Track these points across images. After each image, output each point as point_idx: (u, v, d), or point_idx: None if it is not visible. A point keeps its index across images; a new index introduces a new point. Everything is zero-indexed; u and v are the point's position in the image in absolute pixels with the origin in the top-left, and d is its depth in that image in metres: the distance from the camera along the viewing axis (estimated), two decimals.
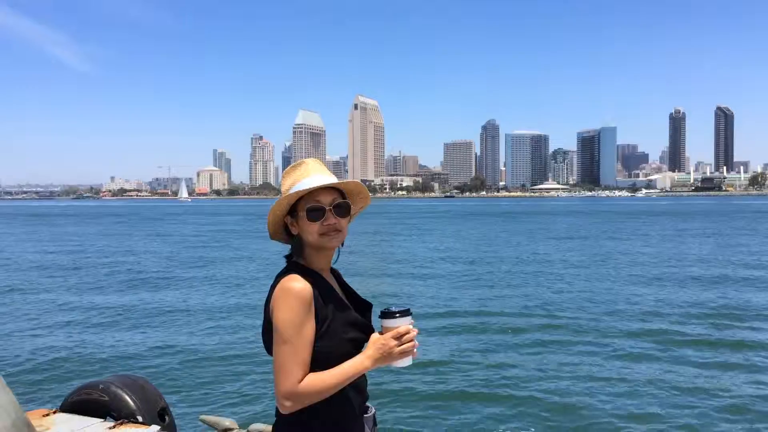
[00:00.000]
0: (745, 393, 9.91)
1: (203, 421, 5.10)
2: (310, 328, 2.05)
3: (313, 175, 2.20)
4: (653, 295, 19.88)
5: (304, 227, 2.18)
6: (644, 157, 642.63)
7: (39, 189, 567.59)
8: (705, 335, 14.15)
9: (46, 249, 39.78)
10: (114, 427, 5.33)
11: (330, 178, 2.22)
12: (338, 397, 2.09)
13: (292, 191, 2.17)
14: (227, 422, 4.91)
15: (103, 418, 5.56)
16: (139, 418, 5.46)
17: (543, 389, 10.29)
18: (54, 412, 5.70)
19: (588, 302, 18.84)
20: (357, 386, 2.18)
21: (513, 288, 21.91)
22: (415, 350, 2.14)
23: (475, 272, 26.58)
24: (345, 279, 2.42)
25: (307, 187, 2.15)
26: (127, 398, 5.55)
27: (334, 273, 2.37)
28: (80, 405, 5.68)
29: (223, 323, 15.88)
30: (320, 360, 2.06)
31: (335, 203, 2.18)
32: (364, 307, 2.31)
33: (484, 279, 24.40)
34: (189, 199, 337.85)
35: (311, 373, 2.04)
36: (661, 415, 9.06)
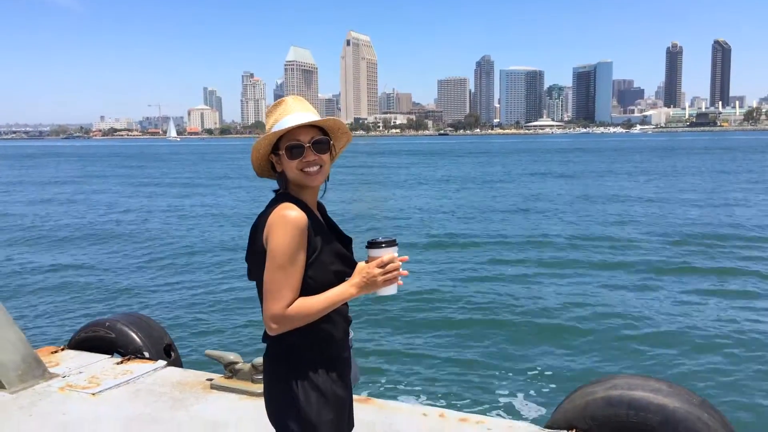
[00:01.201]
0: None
1: (208, 356, 5.23)
2: (303, 256, 2.15)
3: (293, 113, 2.25)
4: (637, 227, 20.15)
5: (285, 164, 2.25)
6: (640, 93, 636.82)
7: (28, 129, 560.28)
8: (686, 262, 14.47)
9: (48, 192, 39.65)
10: (121, 362, 5.49)
11: (310, 116, 2.26)
12: (325, 322, 2.21)
13: (273, 130, 2.24)
14: (232, 356, 5.05)
15: (110, 354, 5.73)
16: (146, 354, 5.62)
17: (529, 314, 10.56)
18: (62, 349, 5.86)
19: (573, 235, 19.11)
20: (341, 312, 2.29)
21: (500, 222, 22.12)
22: (399, 279, 2.21)
23: (464, 209, 26.77)
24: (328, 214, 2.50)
25: (286, 126, 2.21)
26: (133, 335, 5.70)
27: (319, 207, 2.44)
28: (87, 342, 5.83)
29: (224, 262, 16.07)
30: (306, 289, 2.16)
31: (314, 140, 2.24)
32: (346, 240, 2.39)
33: (474, 215, 24.59)
34: (178, 139, 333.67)
35: (300, 298, 2.14)
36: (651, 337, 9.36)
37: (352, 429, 2.43)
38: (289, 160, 2.23)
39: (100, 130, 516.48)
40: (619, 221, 22.51)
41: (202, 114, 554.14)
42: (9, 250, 18.42)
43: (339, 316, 2.28)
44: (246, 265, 2.33)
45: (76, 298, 12.68)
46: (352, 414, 2.44)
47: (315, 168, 2.24)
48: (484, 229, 21.35)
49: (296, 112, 2.27)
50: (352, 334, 2.44)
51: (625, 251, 16.83)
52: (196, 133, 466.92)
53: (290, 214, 2.13)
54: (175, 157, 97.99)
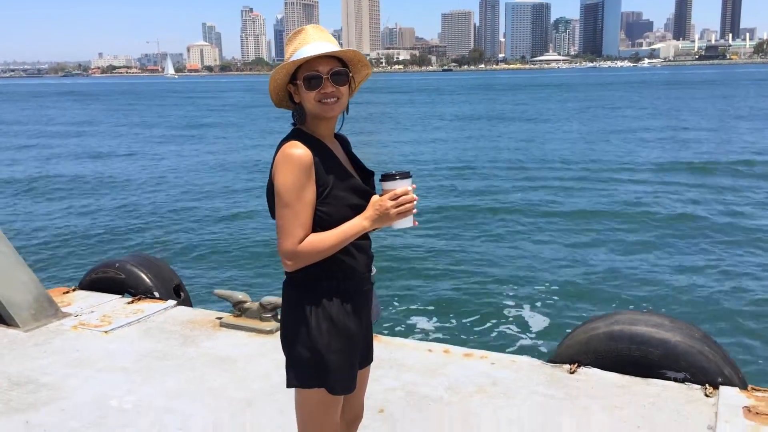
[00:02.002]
0: None
1: (217, 295, 5.32)
2: (310, 192, 2.13)
3: (312, 43, 2.19)
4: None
5: (303, 95, 2.20)
6: (649, 26, 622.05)
7: (26, 67, 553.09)
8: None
9: (49, 130, 39.46)
10: (132, 302, 5.59)
11: (329, 46, 2.19)
12: (344, 254, 2.21)
13: (291, 59, 2.18)
14: (240, 295, 5.13)
15: (120, 294, 5.82)
16: (156, 294, 5.71)
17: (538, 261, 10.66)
18: (73, 290, 5.95)
19: (578, 176, 19.06)
20: (361, 246, 2.28)
21: (506, 164, 22.04)
22: (414, 211, 2.20)
23: (468, 151, 26.63)
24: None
25: (305, 56, 2.15)
26: (143, 275, 5.77)
27: (341, 139, 2.41)
28: (98, 283, 5.92)
29: (230, 204, 16.13)
30: (321, 224, 2.16)
31: (333, 71, 2.18)
32: (366, 174, 2.36)
33: (476, 157, 24.47)
34: (176, 76, 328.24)
35: (312, 234, 2.14)
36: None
37: (369, 363, 2.48)
38: (307, 91, 2.18)
39: (98, 68, 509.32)
40: (623, 162, 22.38)
41: (201, 50, 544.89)
42: (16, 195, 18.49)
43: (359, 249, 2.27)
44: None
45: (84, 241, 12.80)
46: (371, 349, 2.48)
47: (332, 100, 2.19)
48: (490, 171, 21.29)
49: (316, 42, 2.20)
50: (374, 271, 2.42)
51: (626, 191, 16.82)
52: (196, 71, 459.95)
53: (293, 152, 2.11)
54: (172, 95, 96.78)
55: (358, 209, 2.21)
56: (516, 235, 12.43)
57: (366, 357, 2.44)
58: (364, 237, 2.29)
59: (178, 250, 12.01)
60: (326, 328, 2.18)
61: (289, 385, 2.26)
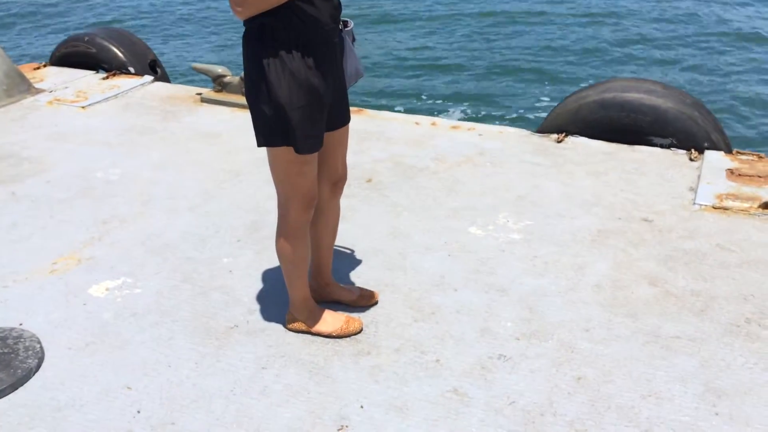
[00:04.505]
0: None
1: (195, 69, 5.11)
2: None
3: None
4: None
5: None
6: None
7: None
8: None
9: None
10: (107, 77, 5.37)
11: None
12: (304, 3, 1.99)
13: None
14: (220, 69, 4.92)
15: (93, 70, 5.58)
16: (131, 70, 5.47)
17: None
18: (44, 66, 5.69)
19: None
20: None
21: None
22: None
23: None
24: None
25: None
26: (115, 50, 5.48)
27: None
28: (68, 58, 5.64)
29: None
30: None
31: None
32: None
33: None
34: None
35: None
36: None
37: (346, 124, 2.37)
38: None
39: None
40: None
41: None
42: None
43: None
44: None
45: (49, 15, 12.02)
46: (346, 109, 2.35)
47: None
48: None
49: None
50: (351, 25, 2.23)
51: None
52: None
53: None
54: None
55: None
56: (506, 8, 11.83)
57: (340, 117, 2.31)
58: None
59: (149, 23, 11.32)
60: (287, 83, 2.03)
61: (258, 144, 2.18)
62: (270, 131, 2.12)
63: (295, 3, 1.98)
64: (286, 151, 2.13)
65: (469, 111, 7.74)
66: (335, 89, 2.22)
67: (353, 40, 2.29)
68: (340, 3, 2.16)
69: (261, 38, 2.04)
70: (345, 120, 2.36)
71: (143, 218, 3.37)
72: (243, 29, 2.11)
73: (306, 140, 2.12)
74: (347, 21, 2.25)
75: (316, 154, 2.21)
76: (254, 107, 2.13)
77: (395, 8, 11.20)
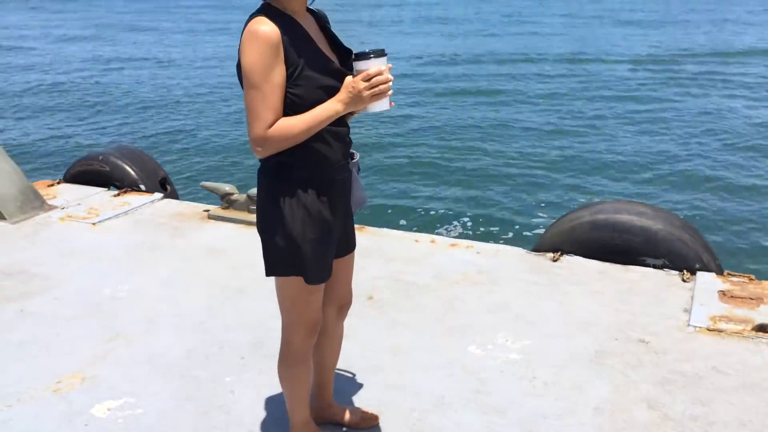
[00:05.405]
0: None
1: (204, 187, 5.32)
2: (278, 73, 2.01)
3: None
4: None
5: None
6: None
7: None
8: None
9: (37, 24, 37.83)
10: (118, 194, 5.58)
11: None
12: (317, 141, 2.11)
13: None
14: (227, 187, 5.13)
15: (106, 187, 5.80)
16: (142, 187, 5.69)
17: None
18: (58, 183, 5.91)
19: (562, 58, 18.79)
20: (337, 133, 2.17)
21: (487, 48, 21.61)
22: (389, 93, 2.07)
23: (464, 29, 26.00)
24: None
25: None
26: (128, 168, 5.73)
27: (317, 15, 2.27)
28: (82, 176, 5.87)
29: (216, 95, 15.77)
30: (293, 107, 2.05)
31: None
32: (345, 54, 2.22)
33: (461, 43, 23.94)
34: None
35: (282, 118, 2.04)
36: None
37: (352, 251, 2.47)
38: None
39: None
40: (608, 53, 22.02)
41: None
42: None
43: (334, 136, 2.16)
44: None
45: (67, 135, 12.53)
46: (353, 237, 2.46)
47: None
48: (474, 58, 20.89)
49: None
50: (357, 157, 2.36)
51: (614, 81, 16.65)
52: None
53: (259, 29, 1.97)
54: None
55: (332, 91, 2.08)
56: (501, 124, 12.35)
57: (347, 245, 2.42)
58: (341, 123, 2.18)
59: (162, 142, 11.82)
60: (300, 216, 2.13)
61: (267, 274, 2.25)
62: (281, 262, 2.19)
63: (311, 143, 2.11)
64: (296, 281, 2.20)
65: (469, 224, 7.94)
66: (343, 219, 2.33)
67: (359, 170, 2.41)
68: (351, 141, 2.29)
69: (277, 175, 2.15)
70: (351, 247, 2.46)
71: (148, 336, 3.42)
72: (253, 156, 2.21)
73: (316, 271, 2.20)
74: (354, 153, 2.36)
75: (323, 284, 2.29)
76: (266, 239, 2.21)
77: (392, 131, 11.74)
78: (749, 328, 3.26)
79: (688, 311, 3.49)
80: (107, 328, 3.50)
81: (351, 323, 3.36)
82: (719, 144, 10.99)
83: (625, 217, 4.05)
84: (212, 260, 4.37)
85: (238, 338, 3.38)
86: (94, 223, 4.98)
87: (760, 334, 3.21)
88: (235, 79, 2.14)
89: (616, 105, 14.12)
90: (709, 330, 3.29)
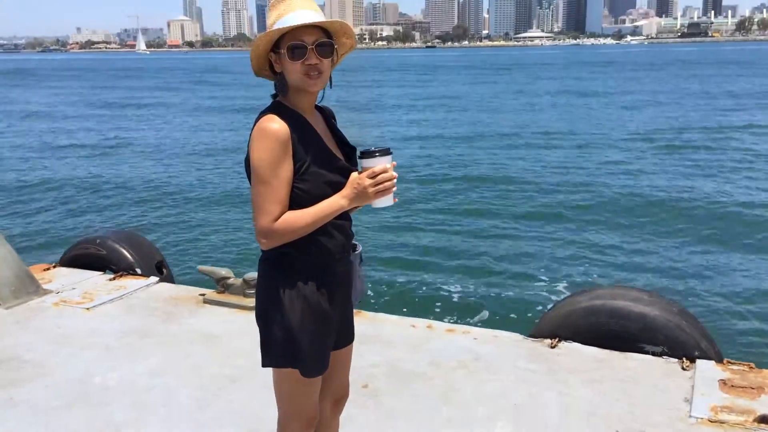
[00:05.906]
0: None
1: (200, 271, 5.31)
2: (286, 169, 2.08)
3: (298, 11, 2.10)
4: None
5: (286, 65, 2.12)
6: (632, 2, 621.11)
7: (3, 42, 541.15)
8: None
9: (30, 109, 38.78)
10: (114, 278, 5.56)
11: (316, 15, 2.11)
12: (321, 234, 2.16)
13: (275, 27, 2.10)
14: (223, 272, 5.13)
15: (102, 271, 5.79)
16: (138, 271, 5.68)
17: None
18: (54, 267, 5.91)
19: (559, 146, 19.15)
20: (340, 226, 2.22)
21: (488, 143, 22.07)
22: (393, 190, 2.13)
23: (462, 128, 26.63)
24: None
25: (290, 24, 2.07)
26: (124, 252, 5.74)
27: (324, 112, 2.34)
28: (79, 259, 5.88)
29: (215, 179, 15.99)
30: (298, 201, 2.11)
31: (318, 42, 2.10)
32: (350, 150, 2.30)
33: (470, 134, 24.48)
34: (147, 52, 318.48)
35: (288, 212, 2.09)
36: None
37: (350, 343, 2.46)
38: (291, 61, 2.10)
39: (77, 43, 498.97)
40: (606, 138, 22.50)
41: (182, 26, 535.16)
42: None
43: (337, 229, 2.21)
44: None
45: (64, 217, 12.66)
46: (351, 329, 2.45)
47: (315, 73, 2.11)
48: (470, 151, 21.32)
49: (301, 10, 2.11)
50: (359, 249, 2.38)
51: (607, 169, 16.95)
52: (176, 46, 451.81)
53: (269, 127, 2.05)
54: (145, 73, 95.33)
55: (337, 187, 2.14)
56: (498, 211, 12.48)
57: (345, 337, 2.41)
58: (344, 217, 2.22)
59: (159, 226, 11.91)
60: (300, 307, 2.14)
61: (263, 365, 2.23)
62: (278, 353, 2.18)
63: (313, 235, 2.14)
64: (292, 373, 2.19)
65: (466, 306, 7.90)
66: (342, 311, 2.32)
67: (361, 261, 2.42)
68: (352, 233, 2.32)
69: (278, 265, 2.18)
70: (349, 339, 2.45)
71: (135, 428, 3.33)
72: (251, 240, 2.26)
73: (313, 363, 2.19)
74: (356, 245, 2.39)
75: (320, 376, 2.26)
76: (265, 329, 2.21)
77: (388, 215, 11.87)
78: (751, 419, 3.19)
79: (689, 401, 3.42)
80: (95, 419, 3.41)
81: (345, 412, 3.29)
82: (709, 231, 11.08)
83: (621, 303, 4.03)
84: (206, 347, 4.31)
85: (230, 431, 3.29)
86: (88, 308, 4.95)
87: (762, 425, 3.13)
88: (233, 163, 2.21)
89: (612, 187, 14.34)
90: (711, 421, 3.22)
